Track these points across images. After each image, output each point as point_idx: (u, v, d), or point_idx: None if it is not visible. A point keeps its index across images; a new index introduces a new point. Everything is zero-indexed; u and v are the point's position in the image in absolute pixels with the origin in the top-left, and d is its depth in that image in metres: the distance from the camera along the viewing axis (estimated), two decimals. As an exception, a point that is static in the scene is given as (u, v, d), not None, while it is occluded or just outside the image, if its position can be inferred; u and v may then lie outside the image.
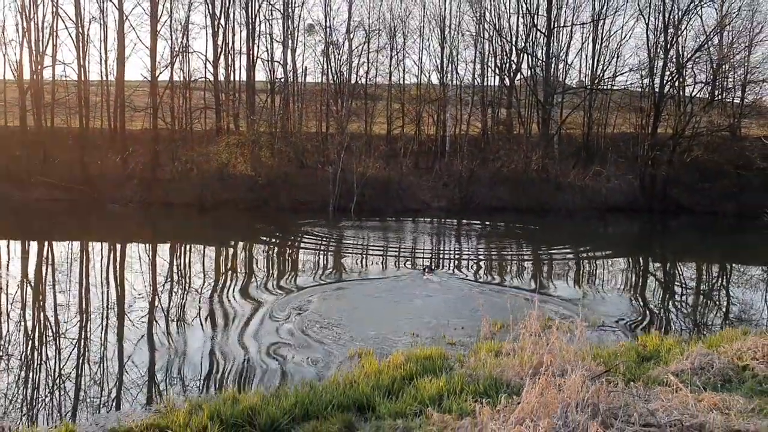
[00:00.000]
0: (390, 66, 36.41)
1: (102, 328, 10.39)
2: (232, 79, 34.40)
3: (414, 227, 26.04)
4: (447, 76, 36.42)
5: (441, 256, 20.13)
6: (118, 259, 18.40)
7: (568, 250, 21.30)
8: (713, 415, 5.05)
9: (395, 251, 20.39)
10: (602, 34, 35.39)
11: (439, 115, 36.22)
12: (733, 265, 19.69)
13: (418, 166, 33.53)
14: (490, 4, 35.99)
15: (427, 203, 29.82)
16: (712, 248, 22.93)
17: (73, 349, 9.23)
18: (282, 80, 33.96)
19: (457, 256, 20.07)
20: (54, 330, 10.27)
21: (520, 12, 35.31)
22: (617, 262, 19.94)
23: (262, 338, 9.64)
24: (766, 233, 23.96)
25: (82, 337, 9.91)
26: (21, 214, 26.13)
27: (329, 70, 34.71)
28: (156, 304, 12.39)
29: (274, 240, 22.03)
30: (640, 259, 20.94)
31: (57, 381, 7.87)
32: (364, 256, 19.13)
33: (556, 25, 34.43)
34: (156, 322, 10.94)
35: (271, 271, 16.95)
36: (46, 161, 29.33)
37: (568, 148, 35.18)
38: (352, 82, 34.71)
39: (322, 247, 20.55)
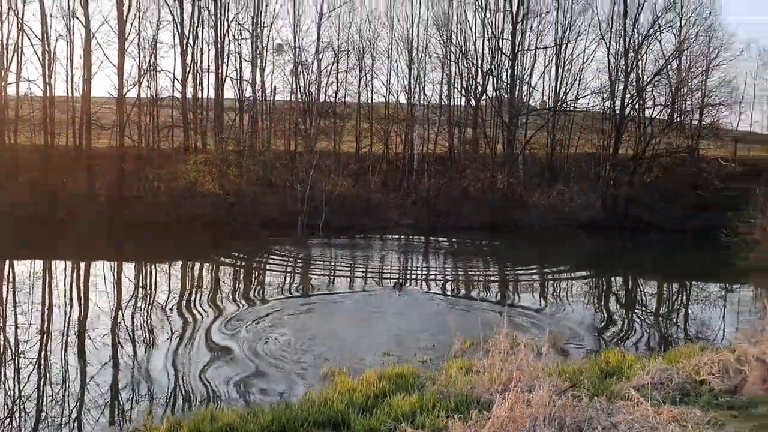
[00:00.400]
0: (359, 86, 36.78)
1: (62, 347, 10.34)
2: (200, 96, 34.30)
3: (382, 245, 26.24)
4: (414, 97, 36.91)
5: (410, 273, 20.37)
6: (81, 277, 18.22)
7: (535, 269, 21.72)
8: (672, 427, 5.33)
9: (363, 269, 20.56)
10: (565, 57, 36.26)
11: (407, 135, 36.60)
12: (694, 282, 20.32)
13: (387, 184, 33.78)
14: (457, 28, 36.70)
15: (395, 221, 30.05)
16: (675, 266, 23.57)
17: (33, 369, 9.19)
18: (251, 99, 34.00)
19: (425, 274, 20.33)
20: (12, 350, 10.20)
21: (486, 36, 36.04)
22: (583, 279, 20.40)
23: (225, 356, 9.72)
24: (725, 253, 24.73)
25: (42, 356, 9.86)
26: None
27: (298, 89, 34.89)
28: (118, 322, 12.36)
29: (241, 257, 22.01)
30: (605, 276, 21.46)
31: (18, 402, 7.85)
32: (332, 273, 19.26)
33: (520, 49, 35.21)
34: (118, 340, 10.93)
35: (237, 288, 16.98)
36: (9, 178, 28.79)
37: (533, 168, 35.84)
38: (321, 101, 34.90)
39: (290, 265, 20.61)
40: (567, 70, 36.26)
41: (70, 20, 32.07)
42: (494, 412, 5.32)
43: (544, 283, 19.52)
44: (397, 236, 28.06)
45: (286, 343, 10.50)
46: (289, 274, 19.14)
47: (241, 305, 13.87)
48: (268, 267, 20.43)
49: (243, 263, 21.05)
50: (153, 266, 20.09)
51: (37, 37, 31.96)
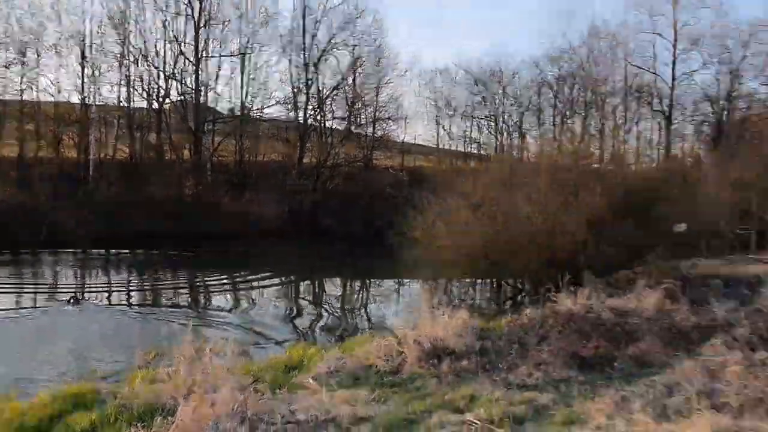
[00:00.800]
0: (21, 83, 32.78)
1: None
2: None
3: (56, 259, 23.77)
4: (89, 98, 34.18)
5: (90, 287, 18.83)
6: None
7: (225, 276, 21.77)
8: (343, 408, 5.87)
9: (32, 286, 18.41)
10: (249, 66, 36.95)
11: (81, 139, 33.68)
12: (372, 280, 22.38)
13: (58, 192, 30.58)
14: (135, 28, 34.89)
15: (72, 232, 27.31)
16: (355, 267, 25.61)
17: None
18: None
19: (107, 287, 19.00)
20: None
21: (167, 38, 34.99)
22: (273, 284, 21.04)
23: None
24: (394, 252, 27.42)
25: None
26: None
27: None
28: None
29: None
30: (293, 280, 22.43)
31: None
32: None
33: (204, 55, 34.94)
34: None
35: None
36: None
37: (222, 175, 35.84)
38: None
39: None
40: (252, 78, 37.04)
41: None
42: (178, 416, 5.28)
43: (235, 288, 19.71)
44: (72, 250, 25.65)
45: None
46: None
47: None
48: None
49: None
50: None
51: None
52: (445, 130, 42.53)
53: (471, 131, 42.32)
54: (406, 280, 20.68)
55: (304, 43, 36.75)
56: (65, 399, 6.91)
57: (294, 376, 7.48)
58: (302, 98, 36.98)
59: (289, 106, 37.22)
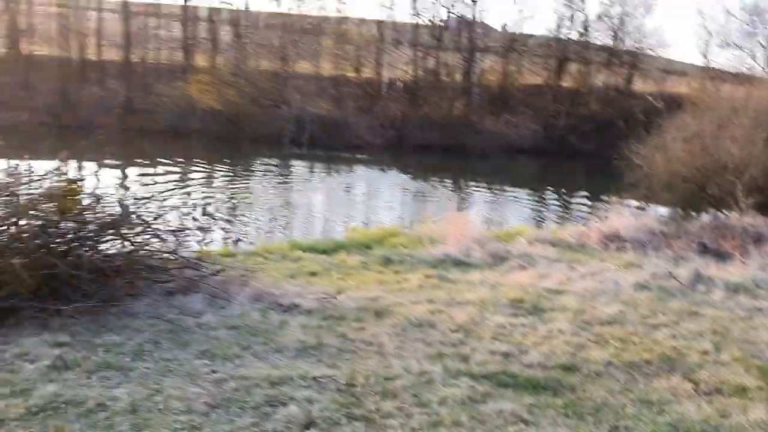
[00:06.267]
0: (337, 11, 41.05)
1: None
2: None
3: (357, 158, 31.52)
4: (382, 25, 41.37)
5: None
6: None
7: (484, 181, 27.42)
8: (537, 253, 10.96)
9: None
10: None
11: (378, 61, 41.17)
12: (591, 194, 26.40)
13: (359, 106, 38.54)
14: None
15: (368, 141, 34.96)
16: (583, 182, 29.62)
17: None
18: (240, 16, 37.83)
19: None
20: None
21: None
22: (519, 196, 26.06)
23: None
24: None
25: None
26: (11, 135, 29.62)
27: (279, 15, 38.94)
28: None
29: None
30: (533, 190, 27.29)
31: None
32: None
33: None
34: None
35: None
36: (28, 88, 32.57)
37: (486, 96, 41.01)
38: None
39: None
40: (519, 11, 41.00)
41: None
42: (447, 240, 10.86)
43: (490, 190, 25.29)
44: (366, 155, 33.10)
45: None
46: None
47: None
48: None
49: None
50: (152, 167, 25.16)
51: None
52: (710, 59, 42.40)
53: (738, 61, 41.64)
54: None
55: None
56: (385, 231, 12.96)
57: (515, 237, 12.67)
58: (566, 24, 40.27)
59: (554, 31, 40.67)
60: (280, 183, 24.18)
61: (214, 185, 23.05)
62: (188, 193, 19.93)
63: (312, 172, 28.99)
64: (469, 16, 40.48)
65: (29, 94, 32.51)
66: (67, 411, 4.56)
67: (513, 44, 41.22)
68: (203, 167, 26.60)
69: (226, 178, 24.81)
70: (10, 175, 7.11)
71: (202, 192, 20.82)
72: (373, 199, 22.21)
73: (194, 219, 9.44)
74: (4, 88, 32.29)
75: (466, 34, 40.88)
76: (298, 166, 29.72)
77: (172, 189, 20.30)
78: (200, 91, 32.96)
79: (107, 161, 22.46)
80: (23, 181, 7.12)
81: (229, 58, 37.13)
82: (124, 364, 5.41)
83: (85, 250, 6.91)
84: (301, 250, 10.68)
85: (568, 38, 40.12)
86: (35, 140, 28.58)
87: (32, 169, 7.55)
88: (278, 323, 6.53)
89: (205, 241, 9.26)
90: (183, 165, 26.25)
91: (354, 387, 5.08)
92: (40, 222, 6.85)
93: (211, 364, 5.48)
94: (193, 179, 24.00)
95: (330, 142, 33.17)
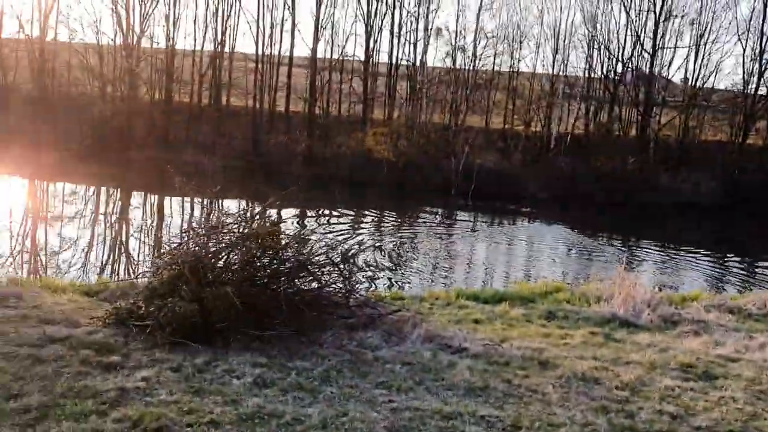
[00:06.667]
0: (510, 68, 41.72)
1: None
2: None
3: (525, 210, 31.55)
4: (556, 84, 41.31)
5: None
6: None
7: (654, 242, 26.24)
8: (714, 320, 10.51)
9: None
10: (703, 53, 39.01)
11: (547, 115, 41.15)
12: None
13: (526, 159, 38.65)
14: (602, 18, 40.42)
15: (534, 194, 34.88)
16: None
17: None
18: (419, 78, 39.81)
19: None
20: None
21: (629, 30, 39.55)
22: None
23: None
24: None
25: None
26: (208, 178, 33.33)
27: (454, 70, 40.36)
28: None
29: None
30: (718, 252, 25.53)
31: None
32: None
33: (660, 45, 38.51)
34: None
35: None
36: (225, 135, 36.55)
37: (662, 152, 39.26)
38: (474, 81, 40.30)
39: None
40: (703, 65, 39.07)
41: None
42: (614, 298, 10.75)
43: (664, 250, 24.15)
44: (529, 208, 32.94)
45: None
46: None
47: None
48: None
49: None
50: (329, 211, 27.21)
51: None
52: None
53: None
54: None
55: (762, 30, 37.19)
56: (548, 286, 13.01)
57: (689, 302, 12.19)
58: (751, 86, 37.80)
59: (737, 91, 38.24)
60: (444, 232, 24.90)
61: (383, 231, 24.29)
62: (361, 238, 21.21)
63: (476, 222, 29.59)
64: (647, 69, 39.24)
65: (226, 141, 36.36)
66: (270, 422, 5.35)
67: (694, 99, 39.30)
68: (374, 214, 28.15)
69: (395, 226, 26.06)
70: (226, 215, 8.33)
71: (373, 238, 22.04)
72: (537, 252, 22.12)
73: (367, 263, 10.24)
74: (206, 136, 36.49)
75: (643, 88, 39.64)
76: (463, 217, 30.38)
77: (346, 234, 21.74)
78: (376, 142, 35.04)
79: (291, 203, 24.57)
80: (236, 221, 8.31)
81: (404, 111, 39.10)
82: (314, 387, 6.18)
83: (283, 285, 7.88)
84: (465, 298, 11.13)
85: (756, 93, 37.55)
86: (230, 183, 32.17)
87: (242, 211, 8.76)
88: (447, 363, 7.02)
89: (376, 283, 10.00)
90: (356, 211, 27.92)
91: (519, 429, 5.41)
92: (246, 257, 7.96)
93: (388, 394, 6.09)
94: (364, 225, 25.46)
95: (496, 194, 33.54)
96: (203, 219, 9.19)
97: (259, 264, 8.07)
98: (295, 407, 5.66)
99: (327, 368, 6.66)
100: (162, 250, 8.91)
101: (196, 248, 7.97)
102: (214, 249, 8.31)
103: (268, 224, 8.48)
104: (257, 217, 8.61)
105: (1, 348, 6.47)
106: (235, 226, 8.34)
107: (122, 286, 9.84)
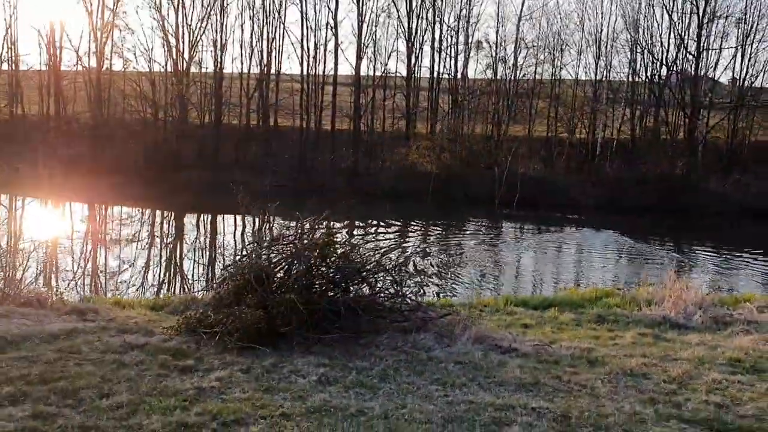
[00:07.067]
0: (551, 76, 41.73)
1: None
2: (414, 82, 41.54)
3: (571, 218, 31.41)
4: (599, 90, 41.11)
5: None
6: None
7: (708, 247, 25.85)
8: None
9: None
10: (750, 53, 38.36)
11: (591, 121, 40.95)
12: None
13: (570, 166, 38.54)
14: (644, 22, 40.15)
15: (579, 201, 34.71)
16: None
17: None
18: (460, 91, 40.21)
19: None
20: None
21: (672, 32, 39.18)
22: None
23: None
24: None
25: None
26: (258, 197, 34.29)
27: (495, 82, 40.61)
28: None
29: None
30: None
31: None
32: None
33: (704, 46, 38.03)
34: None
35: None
36: (273, 155, 37.57)
37: (711, 155, 38.61)
38: (515, 92, 40.48)
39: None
40: (750, 65, 38.42)
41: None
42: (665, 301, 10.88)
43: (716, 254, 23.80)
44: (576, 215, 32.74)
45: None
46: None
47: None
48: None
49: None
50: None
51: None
52: None
53: None
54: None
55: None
56: (598, 291, 13.16)
57: (742, 303, 12.19)
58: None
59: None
60: (489, 241, 25.14)
61: (430, 242, 24.69)
62: (409, 248, 21.63)
63: (522, 230, 29.72)
64: (692, 71, 38.74)
65: (274, 161, 37.32)
66: (336, 414, 5.81)
67: (742, 99, 38.59)
68: (420, 225, 28.59)
69: (441, 236, 26.42)
70: (287, 228, 8.89)
71: (420, 247, 22.42)
72: (586, 259, 22.22)
73: (416, 269, 10.62)
74: (255, 156, 37.58)
75: (689, 91, 39.11)
76: (508, 226, 30.59)
77: (394, 244, 22.19)
78: (419, 156, 35.59)
79: (341, 217, 25.16)
80: (295, 234, 8.86)
81: (447, 123, 39.57)
82: (373, 384, 6.62)
83: (340, 291, 8.37)
84: (514, 305, 11.42)
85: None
86: (281, 200, 32.97)
87: (299, 224, 9.30)
88: (498, 362, 7.38)
89: (425, 289, 10.39)
90: (402, 222, 28.40)
91: (569, 419, 5.74)
92: (306, 266, 8.48)
93: (443, 389, 6.50)
94: (411, 236, 25.92)
95: (541, 202, 33.56)
96: (266, 232, 9.80)
97: (317, 272, 8.57)
98: (357, 401, 6.11)
99: (384, 367, 7.09)
100: (227, 263, 9.50)
101: (260, 259, 8.53)
102: (276, 259, 8.90)
103: (324, 235, 8.96)
104: (315, 228, 9.07)
105: (89, 354, 7.12)
106: (295, 238, 8.87)
107: (185, 300, 10.58)
